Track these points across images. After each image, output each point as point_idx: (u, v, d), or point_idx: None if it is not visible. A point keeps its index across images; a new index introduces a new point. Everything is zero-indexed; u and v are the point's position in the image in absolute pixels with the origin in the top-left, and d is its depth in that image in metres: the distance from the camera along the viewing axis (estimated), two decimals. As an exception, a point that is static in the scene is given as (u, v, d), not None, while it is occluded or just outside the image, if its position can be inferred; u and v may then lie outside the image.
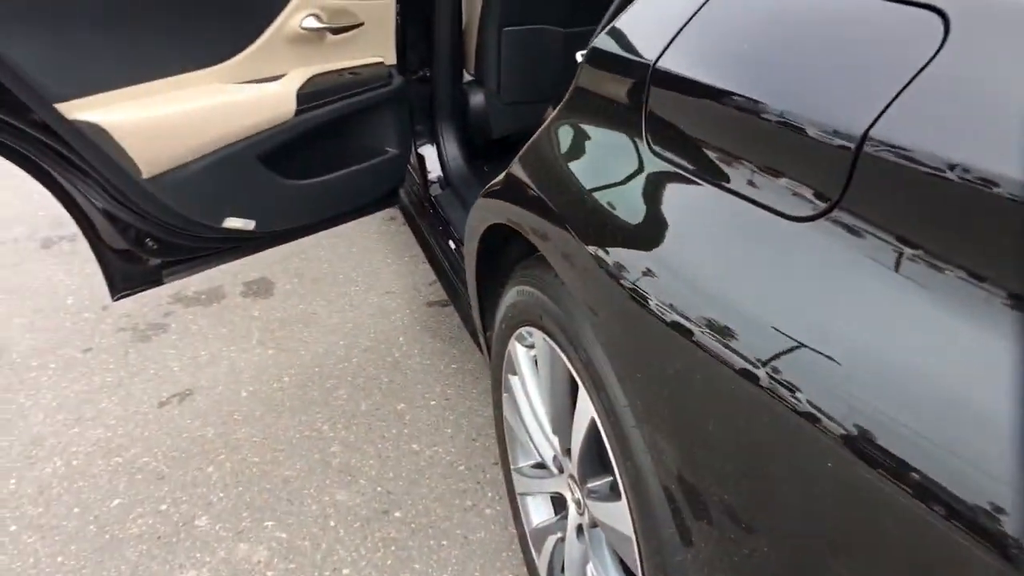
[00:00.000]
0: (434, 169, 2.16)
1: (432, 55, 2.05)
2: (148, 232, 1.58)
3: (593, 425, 0.96)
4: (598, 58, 0.98)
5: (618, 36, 0.96)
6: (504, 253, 1.38)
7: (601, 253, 0.84)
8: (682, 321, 0.69)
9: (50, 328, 2.12)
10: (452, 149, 2.17)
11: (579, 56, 1.10)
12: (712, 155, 0.75)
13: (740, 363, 0.62)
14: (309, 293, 2.33)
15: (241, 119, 1.51)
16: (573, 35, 2.10)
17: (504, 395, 1.35)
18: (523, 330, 1.18)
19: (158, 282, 1.73)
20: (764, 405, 0.59)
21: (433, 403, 1.88)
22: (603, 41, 0.97)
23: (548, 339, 1.07)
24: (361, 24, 1.65)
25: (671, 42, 0.85)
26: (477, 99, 2.17)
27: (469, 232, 1.35)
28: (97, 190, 1.48)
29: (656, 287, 0.75)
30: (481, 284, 1.42)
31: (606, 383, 0.89)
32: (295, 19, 1.53)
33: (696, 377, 0.68)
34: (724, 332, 0.65)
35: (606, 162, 0.92)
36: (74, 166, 1.43)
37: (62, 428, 1.75)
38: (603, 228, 0.86)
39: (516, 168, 1.10)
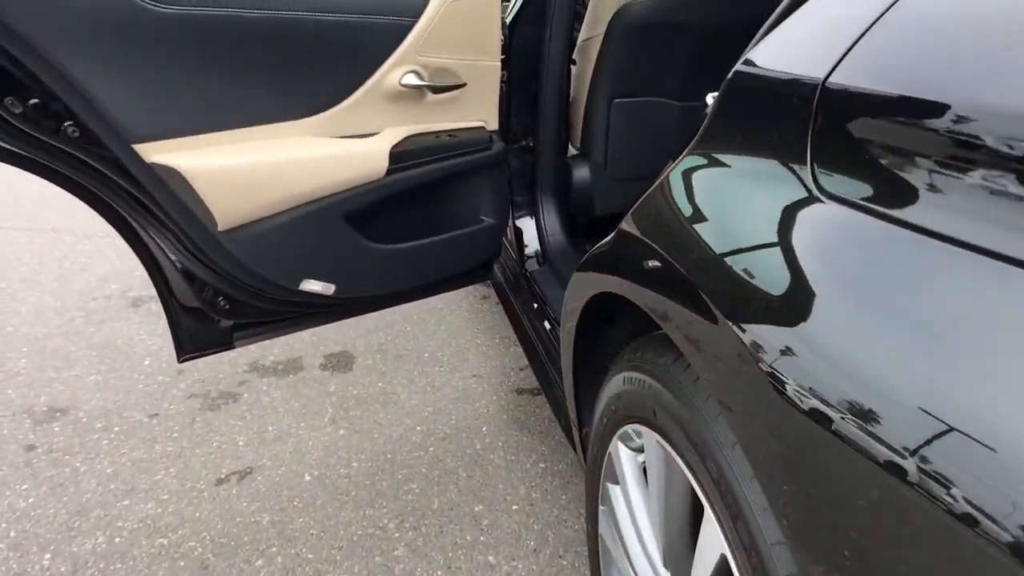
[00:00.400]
0: (531, 243, 2.00)
1: (536, 124, 1.92)
2: (220, 290, 1.47)
3: (724, 565, 0.71)
4: (742, 84, 0.78)
5: (768, 55, 0.76)
6: (607, 335, 1.16)
7: (746, 332, 0.61)
8: (868, 431, 0.46)
9: (122, 389, 2.04)
10: (552, 223, 2.00)
11: (710, 98, 0.92)
12: (922, 194, 0.53)
13: (960, 496, 0.39)
14: (390, 371, 2.17)
15: (328, 175, 1.40)
16: (689, 109, 1.93)
17: (601, 507, 1.10)
18: (629, 428, 0.95)
19: (228, 346, 1.61)
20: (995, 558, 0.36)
21: (515, 507, 1.63)
22: (749, 64, 0.77)
23: (663, 442, 0.83)
24: (463, 85, 1.53)
25: (847, 53, 0.65)
26: (581, 173, 2.01)
27: (567, 309, 1.15)
28: (172, 241, 1.39)
29: (827, 380, 0.52)
30: (579, 370, 1.20)
31: (746, 508, 0.65)
32: (394, 75, 1.43)
33: (893, 509, 0.45)
34: (939, 449, 0.42)
35: (755, 210, 0.71)
36: (150, 213, 1.35)
37: (112, 499, 1.61)
38: (751, 297, 0.63)
39: (629, 225, 0.90)
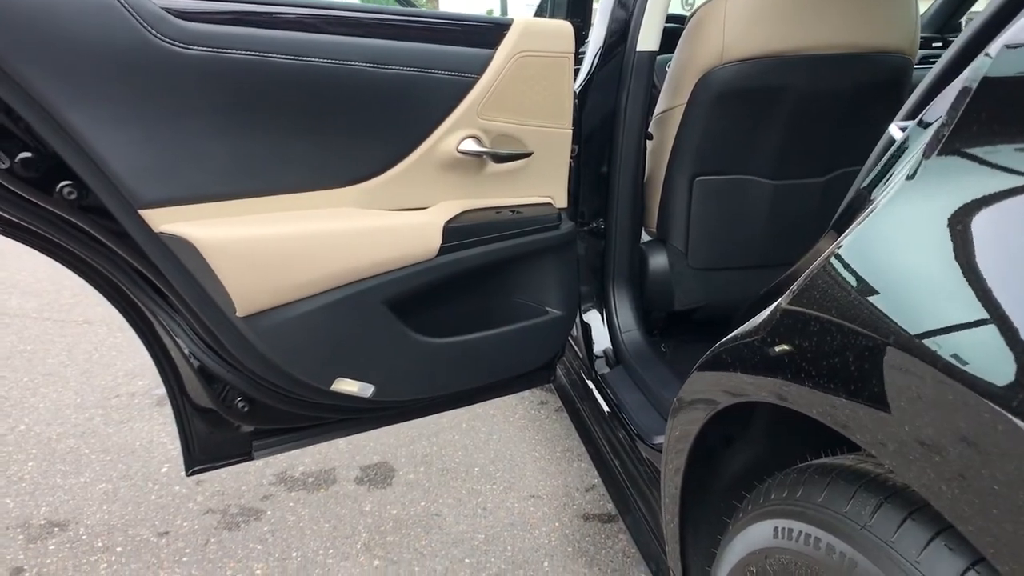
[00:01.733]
0: (601, 341, 1.73)
1: (608, 204, 1.70)
2: (238, 389, 1.24)
3: None
4: None
5: None
6: (724, 457, 0.88)
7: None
8: None
9: (132, 500, 1.79)
10: (625, 318, 1.73)
11: (896, 129, 0.67)
12: None
13: None
14: (435, 487, 1.87)
15: (370, 252, 1.17)
16: (785, 188, 1.68)
17: None
18: (785, 604, 0.65)
19: (246, 456, 1.36)
20: None
21: (585, 671, 1.29)
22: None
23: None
24: (530, 154, 1.32)
25: None
26: (658, 261, 1.76)
27: (678, 423, 0.87)
28: (183, 328, 1.18)
29: None
30: (685, 504, 0.90)
31: None
32: (451, 140, 1.23)
33: None
34: None
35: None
36: (159, 294, 1.14)
37: (94, 644, 1.33)
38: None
39: (805, 301, 0.62)
